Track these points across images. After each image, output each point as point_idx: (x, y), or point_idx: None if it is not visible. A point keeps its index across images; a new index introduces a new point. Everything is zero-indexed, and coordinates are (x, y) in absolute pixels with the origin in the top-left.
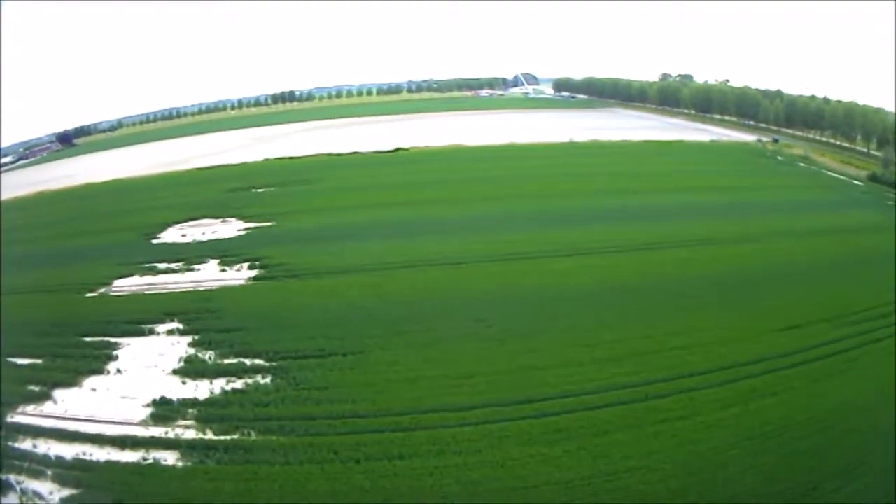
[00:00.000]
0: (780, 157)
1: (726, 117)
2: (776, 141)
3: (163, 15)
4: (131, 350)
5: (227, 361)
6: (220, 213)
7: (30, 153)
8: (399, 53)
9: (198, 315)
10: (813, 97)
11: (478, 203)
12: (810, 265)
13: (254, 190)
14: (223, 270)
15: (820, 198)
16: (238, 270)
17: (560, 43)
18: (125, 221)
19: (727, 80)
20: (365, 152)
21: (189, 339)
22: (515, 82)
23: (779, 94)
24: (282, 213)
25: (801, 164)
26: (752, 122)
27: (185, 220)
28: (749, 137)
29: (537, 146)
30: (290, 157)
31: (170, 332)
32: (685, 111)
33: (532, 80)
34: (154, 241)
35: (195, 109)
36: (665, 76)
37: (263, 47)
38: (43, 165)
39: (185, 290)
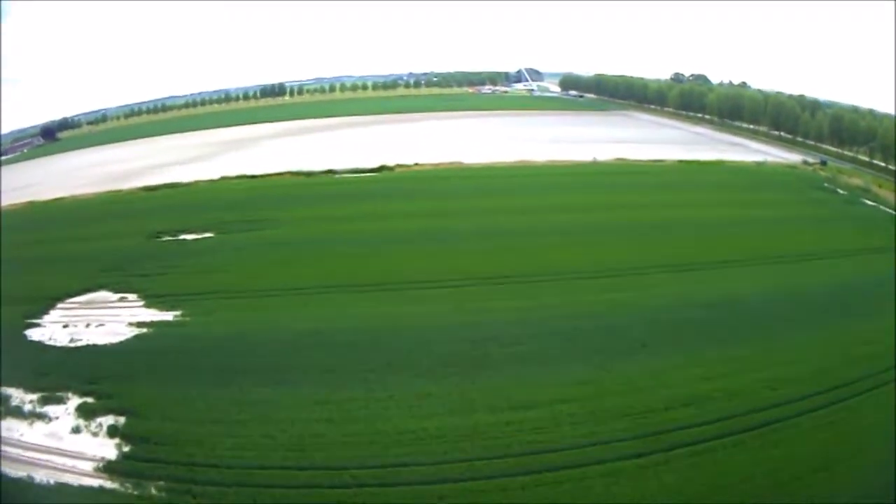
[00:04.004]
0: (840, 191)
1: (754, 126)
2: (824, 163)
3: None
4: None
5: None
6: (124, 283)
7: (10, 148)
8: (399, 45)
9: None
10: (856, 110)
11: (476, 298)
12: None
13: (184, 236)
14: (76, 431)
15: None
16: (95, 434)
17: (562, 36)
18: (21, 285)
19: (744, 83)
20: (341, 172)
21: None
22: (518, 77)
23: (817, 104)
24: (196, 294)
25: (868, 203)
26: (783, 133)
27: (81, 293)
28: (792, 156)
29: (555, 168)
30: (251, 177)
31: None
32: (708, 118)
33: (536, 75)
34: (29, 335)
35: (183, 102)
36: (678, 76)
37: (259, 35)
38: (15, 166)
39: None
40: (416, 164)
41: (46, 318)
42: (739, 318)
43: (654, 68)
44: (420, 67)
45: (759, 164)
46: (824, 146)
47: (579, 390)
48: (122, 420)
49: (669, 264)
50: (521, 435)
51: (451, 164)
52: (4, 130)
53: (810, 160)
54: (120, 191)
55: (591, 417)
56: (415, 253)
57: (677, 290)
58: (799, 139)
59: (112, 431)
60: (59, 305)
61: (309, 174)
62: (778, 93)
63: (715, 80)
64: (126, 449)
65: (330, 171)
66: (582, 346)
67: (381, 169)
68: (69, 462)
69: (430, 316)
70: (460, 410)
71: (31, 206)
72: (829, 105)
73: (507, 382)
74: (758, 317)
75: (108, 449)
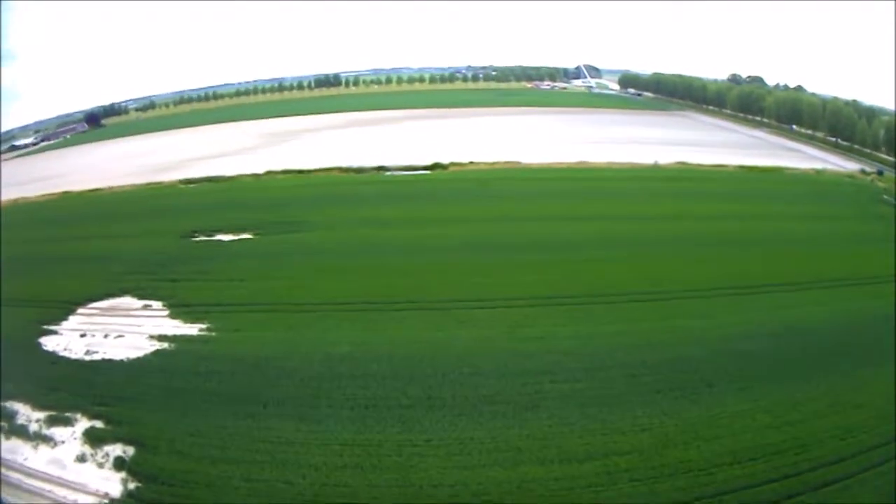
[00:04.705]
0: None
1: (810, 131)
2: (881, 173)
3: None
4: None
5: None
6: (150, 288)
7: (54, 134)
8: (458, 38)
9: None
10: None
11: (530, 322)
12: None
13: (220, 236)
14: (81, 460)
15: None
16: (101, 465)
17: (621, 33)
18: (42, 286)
19: (800, 86)
20: (392, 169)
21: None
22: (577, 74)
23: (873, 112)
24: (226, 305)
25: None
26: (839, 140)
27: (104, 298)
28: (848, 165)
29: (615, 172)
30: (298, 172)
31: None
32: (765, 121)
33: (594, 72)
34: (42, 344)
35: (234, 90)
36: (735, 77)
37: (317, 24)
38: (55, 152)
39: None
40: (471, 163)
41: (64, 324)
42: (805, 351)
43: (710, 68)
44: (479, 61)
45: (818, 172)
46: (879, 154)
47: (639, 440)
48: (130, 451)
49: (734, 286)
50: (571, 493)
51: (507, 163)
52: (51, 115)
53: (867, 169)
54: (160, 183)
55: (650, 473)
56: (465, 265)
57: (743, 318)
58: (855, 146)
59: (119, 464)
60: (79, 311)
61: (359, 170)
62: (834, 98)
63: (770, 82)
64: (131, 486)
65: (381, 168)
66: (643, 384)
67: (435, 167)
68: (71, 495)
69: (477, 342)
70: (505, 460)
71: (65, 196)
72: (884, 112)
73: (560, 428)
74: (823, 350)
75: (113, 484)
